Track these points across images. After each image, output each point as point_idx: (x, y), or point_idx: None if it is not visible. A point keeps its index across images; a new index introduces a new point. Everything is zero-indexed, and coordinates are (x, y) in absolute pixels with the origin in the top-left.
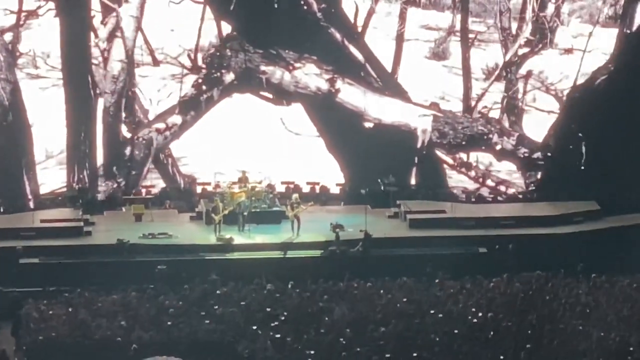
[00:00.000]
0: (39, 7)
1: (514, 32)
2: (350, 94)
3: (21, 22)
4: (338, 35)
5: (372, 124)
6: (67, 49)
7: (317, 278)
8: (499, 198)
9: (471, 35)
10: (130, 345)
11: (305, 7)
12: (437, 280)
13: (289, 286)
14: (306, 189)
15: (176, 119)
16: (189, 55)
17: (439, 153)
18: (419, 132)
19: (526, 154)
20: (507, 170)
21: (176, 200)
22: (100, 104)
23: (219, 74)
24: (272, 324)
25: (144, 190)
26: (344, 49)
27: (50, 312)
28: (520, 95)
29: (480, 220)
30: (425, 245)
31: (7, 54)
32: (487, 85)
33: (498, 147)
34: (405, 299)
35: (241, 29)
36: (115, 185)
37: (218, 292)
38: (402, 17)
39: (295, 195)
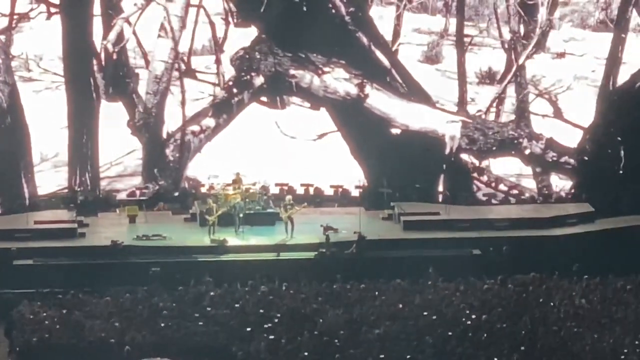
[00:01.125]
0: (31, 10)
1: (504, 36)
2: (378, 100)
3: (13, 25)
4: (365, 40)
5: (400, 130)
6: (68, 50)
7: (311, 280)
8: (537, 201)
9: (466, 39)
10: (124, 347)
11: (333, 11)
12: (430, 282)
13: (283, 288)
14: (300, 190)
15: (209, 121)
16: (182, 59)
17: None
18: (447, 138)
19: (554, 158)
20: (503, 173)
21: (171, 202)
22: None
23: (248, 77)
24: (266, 326)
25: (137, 192)
26: (371, 54)
27: (44, 314)
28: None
29: (474, 222)
30: (420, 247)
31: (5, 56)
32: (500, 88)
33: (527, 152)
34: (399, 301)
35: (269, 32)
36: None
37: (212, 293)
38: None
39: (288, 197)
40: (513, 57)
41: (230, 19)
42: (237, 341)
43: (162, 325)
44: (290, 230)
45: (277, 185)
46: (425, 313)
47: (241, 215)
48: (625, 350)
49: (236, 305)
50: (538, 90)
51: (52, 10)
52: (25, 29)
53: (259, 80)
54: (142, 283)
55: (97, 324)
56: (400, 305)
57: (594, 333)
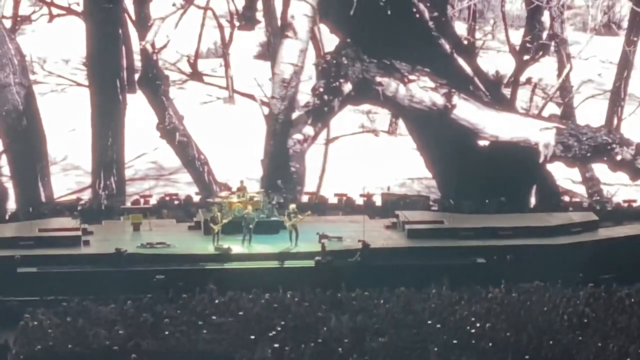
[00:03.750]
0: (33, 12)
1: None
2: (466, 110)
3: (16, 28)
4: (447, 46)
5: (488, 141)
6: (94, 52)
7: (315, 288)
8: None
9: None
10: (128, 355)
11: (417, 16)
12: (435, 291)
13: (287, 296)
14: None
15: (309, 130)
16: (188, 61)
17: None
18: (541, 146)
19: None
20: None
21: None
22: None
23: (337, 83)
24: (270, 334)
25: (142, 200)
26: (453, 61)
27: (48, 321)
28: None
29: (478, 231)
30: (424, 256)
31: (21, 57)
32: (552, 92)
33: (618, 158)
34: (403, 309)
35: (354, 37)
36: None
37: (216, 301)
38: None
39: (292, 205)
40: (564, 58)
41: (235, 21)
42: (241, 349)
43: (166, 333)
44: (294, 238)
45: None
46: (429, 321)
47: (251, 226)
48: (629, 359)
49: (240, 314)
50: (546, 94)
51: (55, 12)
52: (27, 31)
53: (347, 87)
54: (146, 291)
55: (101, 332)
56: (405, 314)
57: (598, 341)
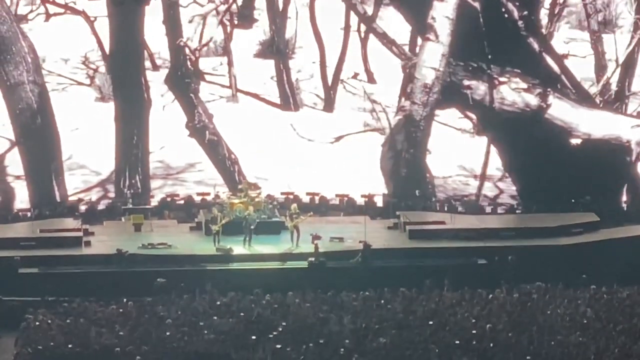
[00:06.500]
0: (31, 12)
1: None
2: (560, 109)
3: None
4: (536, 46)
5: (580, 140)
6: (117, 51)
7: (317, 288)
8: None
9: None
10: (129, 355)
11: (506, 15)
12: (436, 291)
13: (288, 297)
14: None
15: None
16: (189, 60)
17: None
18: (633, 144)
19: None
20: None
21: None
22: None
23: (412, 85)
24: (272, 335)
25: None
26: (541, 60)
27: (49, 322)
28: None
29: (479, 232)
30: (425, 256)
31: (34, 55)
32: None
33: None
34: (404, 310)
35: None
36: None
37: (217, 302)
38: None
39: (293, 206)
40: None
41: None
42: (243, 350)
43: (168, 333)
44: (296, 239)
45: (282, 194)
46: (430, 322)
47: (252, 227)
48: None
49: (241, 314)
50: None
51: (51, 11)
52: (24, 30)
53: (436, 90)
54: (148, 291)
55: (103, 333)
56: (406, 314)
57: (599, 343)
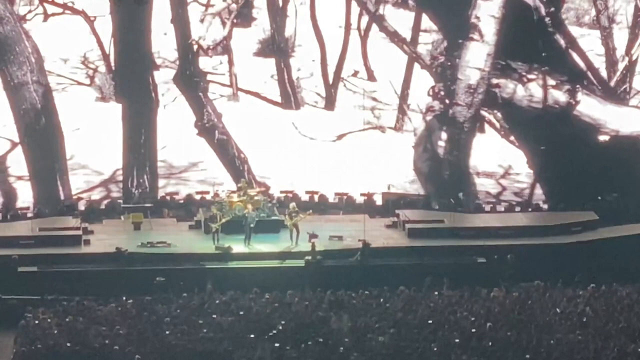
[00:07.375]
0: (29, 12)
1: None
2: (589, 105)
3: None
4: (562, 42)
5: (608, 137)
6: (123, 49)
7: (316, 287)
8: None
9: None
10: (128, 354)
11: (533, 12)
12: (435, 290)
13: (288, 295)
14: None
15: (443, 135)
16: (190, 59)
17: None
18: None
19: None
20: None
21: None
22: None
23: (454, 87)
24: (271, 333)
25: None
26: (567, 57)
27: (49, 320)
28: None
29: (479, 230)
30: (424, 255)
31: (38, 55)
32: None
33: None
34: (403, 309)
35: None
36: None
37: (217, 301)
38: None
39: (292, 204)
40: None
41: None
42: (242, 348)
43: (167, 332)
44: (295, 237)
45: (282, 192)
46: (430, 321)
47: (252, 225)
48: (630, 359)
49: (241, 313)
50: None
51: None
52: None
53: (481, 91)
54: (147, 290)
55: (102, 331)
56: (405, 313)
57: (598, 341)
